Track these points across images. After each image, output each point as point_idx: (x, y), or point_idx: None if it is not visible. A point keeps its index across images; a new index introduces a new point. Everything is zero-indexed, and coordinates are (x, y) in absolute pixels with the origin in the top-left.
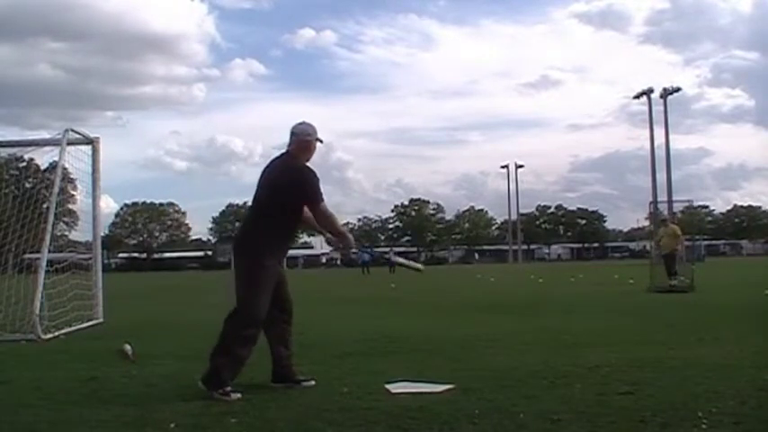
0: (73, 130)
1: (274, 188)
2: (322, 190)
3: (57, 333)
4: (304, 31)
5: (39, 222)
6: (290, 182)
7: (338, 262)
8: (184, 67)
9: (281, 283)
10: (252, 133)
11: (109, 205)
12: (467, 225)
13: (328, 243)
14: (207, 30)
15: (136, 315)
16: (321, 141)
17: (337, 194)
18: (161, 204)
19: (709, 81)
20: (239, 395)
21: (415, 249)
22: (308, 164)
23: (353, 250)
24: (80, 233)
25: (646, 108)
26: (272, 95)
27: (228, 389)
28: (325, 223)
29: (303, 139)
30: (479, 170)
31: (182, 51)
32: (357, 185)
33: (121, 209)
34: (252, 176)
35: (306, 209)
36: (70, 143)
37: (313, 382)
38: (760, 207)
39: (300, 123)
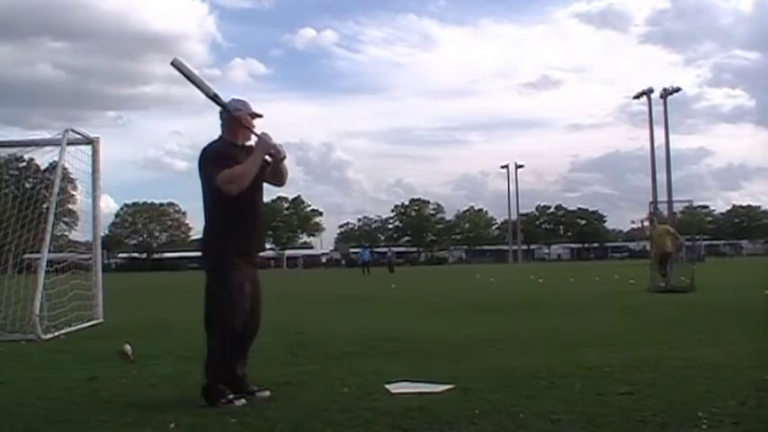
0: (73, 130)
1: (201, 179)
2: (218, 163)
3: (57, 333)
4: (305, 31)
5: (39, 222)
6: (199, 168)
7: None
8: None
9: (251, 288)
10: None
11: (109, 205)
12: (467, 225)
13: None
14: (207, 29)
15: (136, 315)
16: (259, 116)
17: (337, 194)
18: (161, 204)
19: (709, 81)
20: (243, 401)
21: (415, 249)
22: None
23: (279, 151)
24: (80, 233)
25: (646, 108)
26: (273, 95)
27: (231, 396)
28: (236, 188)
29: (231, 117)
30: (479, 170)
31: (182, 51)
32: (357, 185)
33: (121, 209)
34: None
35: (265, 184)
36: (70, 143)
37: (268, 393)
38: (759, 207)
39: (229, 101)
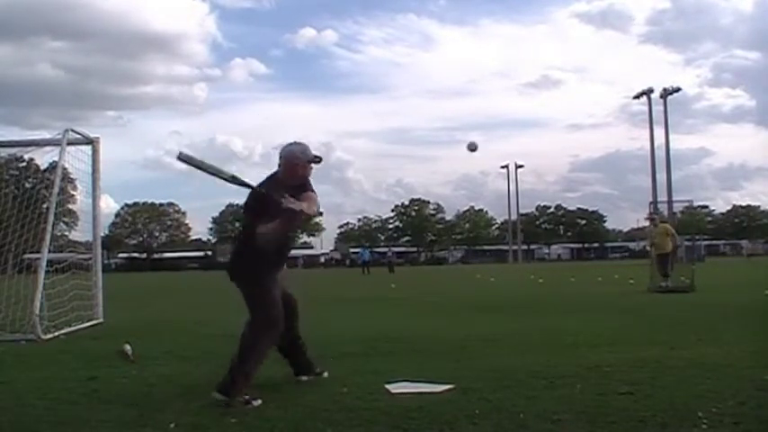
0: (73, 130)
1: (246, 209)
2: (255, 214)
3: (57, 333)
4: (305, 31)
5: (39, 222)
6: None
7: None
8: (186, 67)
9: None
10: (252, 133)
11: (109, 205)
12: (467, 225)
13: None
14: (208, 29)
15: (136, 315)
16: (318, 161)
17: (337, 194)
18: (161, 204)
19: (709, 81)
20: (260, 401)
21: (415, 249)
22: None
23: (314, 212)
24: (80, 233)
25: (646, 108)
26: (273, 95)
27: (248, 396)
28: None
29: (291, 163)
30: (479, 170)
31: (183, 51)
32: (357, 185)
33: (121, 209)
34: (252, 177)
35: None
36: (70, 143)
37: (326, 374)
38: (759, 207)
39: (290, 145)
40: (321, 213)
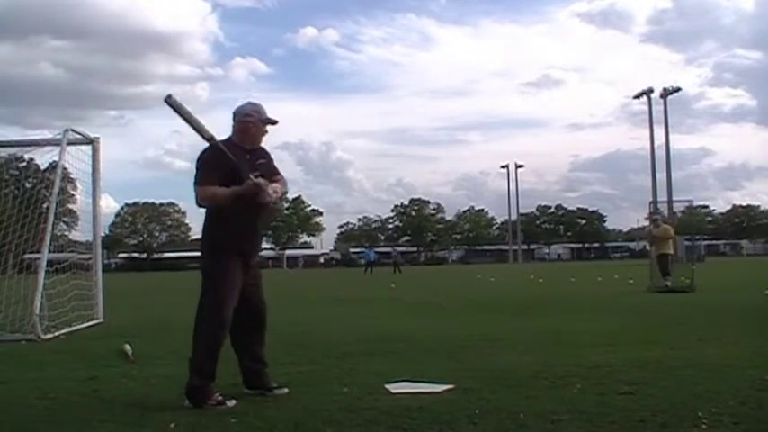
0: (73, 130)
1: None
2: (207, 171)
3: (57, 333)
4: (306, 30)
5: (39, 222)
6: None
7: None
8: (187, 66)
9: (251, 284)
10: None
11: (109, 205)
12: (467, 225)
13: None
14: (209, 28)
15: (136, 315)
16: (273, 122)
17: (337, 194)
18: (161, 204)
19: (710, 81)
20: (234, 401)
21: (415, 249)
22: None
23: (272, 199)
24: (80, 233)
25: (646, 108)
26: (274, 95)
27: (221, 398)
28: (210, 206)
29: (241, 121)
30: (479, 170)
31: (184, 50)
32: (357, 185)
33: (121, 209)
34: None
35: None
36: (70, 143)
37: (286, 390)
38: (759, 207)
39: (244, 104)
40: (285, 193)
